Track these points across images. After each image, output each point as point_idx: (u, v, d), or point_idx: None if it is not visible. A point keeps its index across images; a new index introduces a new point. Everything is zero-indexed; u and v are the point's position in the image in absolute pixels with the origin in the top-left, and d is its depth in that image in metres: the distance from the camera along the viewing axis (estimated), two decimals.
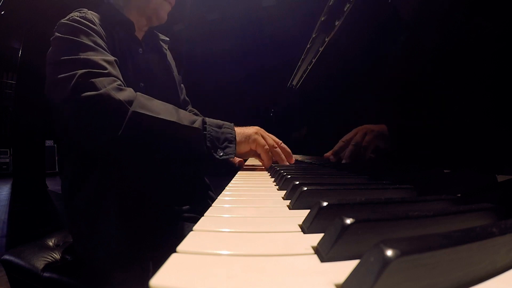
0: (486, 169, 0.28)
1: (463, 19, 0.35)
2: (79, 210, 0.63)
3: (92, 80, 0.54)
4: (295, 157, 1.01)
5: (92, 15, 0.69)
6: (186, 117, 0.60)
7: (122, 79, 0.61)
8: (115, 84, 0.56)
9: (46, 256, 0.70)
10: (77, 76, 0.54)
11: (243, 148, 0.66)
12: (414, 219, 0.18)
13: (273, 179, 0.51)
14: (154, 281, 0.12)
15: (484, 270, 0.14)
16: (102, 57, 0.60)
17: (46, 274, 0.63)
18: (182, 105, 0.95)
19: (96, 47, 0.61)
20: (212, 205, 0.28)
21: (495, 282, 0.13)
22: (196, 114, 1.11)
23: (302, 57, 1.24)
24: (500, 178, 0.26)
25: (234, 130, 0.64)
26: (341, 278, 0.13)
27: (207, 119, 0.63)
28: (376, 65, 0.61)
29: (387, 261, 0.11)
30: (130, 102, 0.54)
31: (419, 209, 0.22)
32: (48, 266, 0.66)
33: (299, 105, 1.40)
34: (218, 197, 0.32)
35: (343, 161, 0.65)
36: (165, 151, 0.60)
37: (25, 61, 3.54)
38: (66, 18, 0.65)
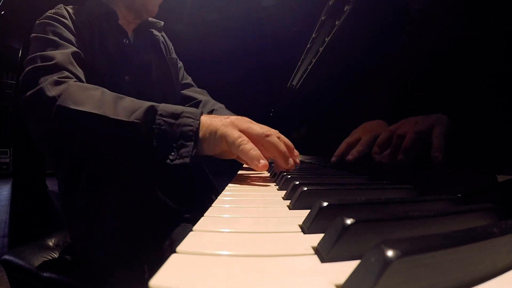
0: (486, 169, 0.28)
1: (464, 18, 0.35)
2: (76, 210, 0.63)
3: (35, 76, 0.52)
4: None
5: (69, 10, 0.69)
6: (127, 107, 0.47)
7: (74, 70, 0.57)
8: (54, 78, 0.51)
9: (46, 256, 0.70)
10: (24, 74, 0.53)
11: (210, 148, 0.47)
12: (414, 219, 0.18)
13: (273, 179, 0.51)
14: (154, 281, 0.12)
15: (484, 271, 0.14)
16: (59, 50, 0.58)
17: (46, 274, 0.63)
18: (180, 91, 0.90)
19: (60, 40, 0.60)
20: (212, 205, 0.28)
21: (496, 282, 0.13)
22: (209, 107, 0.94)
23: (302, 57, 1.24)
24: (500, 178, 0.26)
25: (198, 119, 0.46)
26: (342, 278, 0.13)
27: (161, 106, 0.48)
28: (376, 65, 0.61)
29: (387, 261, 0.11)
30: (60, 95, 0.49)
31: (419, 209, 0.22)
32: (48, 266, 0.66)
33: (299, 105, 1.39)
34: (218, 197, 0.32)
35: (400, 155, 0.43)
36: (104, 148, 0.50)
37: None
38: (41, 17, 0.65)
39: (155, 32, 0.86)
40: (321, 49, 0.94)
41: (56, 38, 0.60)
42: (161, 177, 0.68)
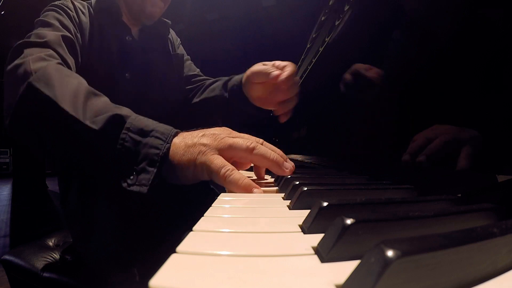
0: (486, 169, 0.28)
1: (465, 18, 0.35)
2: (73, 210, 0.63)
3: (23, 50, 0.49)
4: (295, 157, 1.00)
5: (74, 3, 0.69)
6: (95, 108, 0.41)
7: (62, 52, 0.55)
8: (41, 54, 0.49)
9: (46, 256, 0.70)
10: (14, 46, 0.51)
11: (189, 178, 0.39)
12: (414, 219, 0.18)
13: (273, 179, 0.51)
14: (154, 281, 0.12)
15: (485, 271, 0.14)
16: (52, 31, 0.57)
17: (46, 274, 0.64)
18: (184, 86, 0.86)
19: (58, 25, 0.60)
20: (212, 205, 0.28)
21: (496, 282, 0.13)
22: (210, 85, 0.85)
23: (302, 57, 1.24)
24: (500, 178, 0.26)
25: (169, 143, 0.39)
26: (342, 278, 0.13)
27: (131, 119, 0.41)
28: (376, 65, 0.61)
29: (388, 261, 0.11)
30: (36, 71, 0.45)
31: (419, 209, 0.22)
32: (48, 266, 0.66)
33: (299, 105, 1.39)
34: (218, 197, 0.32)
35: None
36: (61, 148, 0.45)
37: None
38: (48, 6, 0.66)
39: (162, 31, 0.84)
40: (321, 49, 0.94)
41: (55, 22, 0.61)
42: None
